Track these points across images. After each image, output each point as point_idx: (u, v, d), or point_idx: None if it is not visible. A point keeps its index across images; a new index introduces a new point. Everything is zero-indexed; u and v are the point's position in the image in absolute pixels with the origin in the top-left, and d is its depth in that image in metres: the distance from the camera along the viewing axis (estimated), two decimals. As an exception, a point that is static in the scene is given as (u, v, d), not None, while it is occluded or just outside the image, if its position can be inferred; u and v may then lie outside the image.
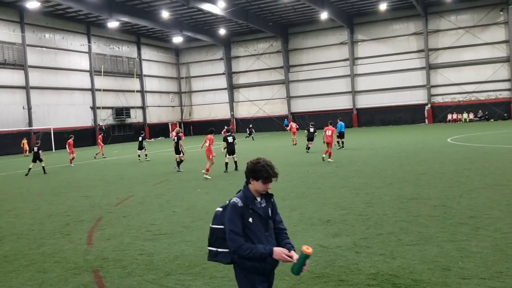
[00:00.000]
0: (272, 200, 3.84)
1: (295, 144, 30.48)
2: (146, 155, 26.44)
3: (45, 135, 43.78)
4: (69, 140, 26.07)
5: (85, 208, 11.72)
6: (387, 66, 55.58)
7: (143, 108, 60.42)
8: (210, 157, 16.75)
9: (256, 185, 3.69)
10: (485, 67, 51.46)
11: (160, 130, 62.37)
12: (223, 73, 64.81)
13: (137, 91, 59.33)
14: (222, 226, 3.67)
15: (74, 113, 49.73)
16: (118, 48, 57.08)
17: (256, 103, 63.91)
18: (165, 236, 8.31)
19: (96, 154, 31.06)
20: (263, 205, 3.73)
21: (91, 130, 51.59)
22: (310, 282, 5.56)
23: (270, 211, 3.76)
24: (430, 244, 6.73)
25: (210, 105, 66.98)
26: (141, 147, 25.49)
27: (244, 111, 64.94)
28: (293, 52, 61.29)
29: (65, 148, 27.87)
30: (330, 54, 59.01)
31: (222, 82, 65.26)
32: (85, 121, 51.38)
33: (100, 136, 32.36)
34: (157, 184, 15.70)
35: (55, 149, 43.55)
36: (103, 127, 52.82)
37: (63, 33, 49.18)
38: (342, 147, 25.70)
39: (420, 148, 22.91)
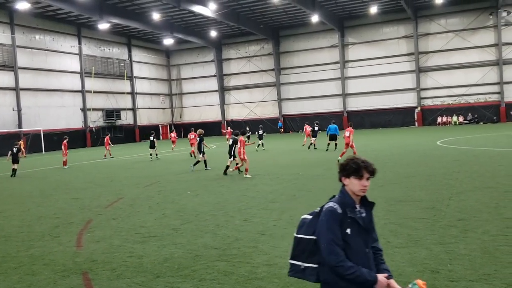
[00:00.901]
0: (372, 211, 3.22)
1: (310, 144, 28.32)
2: (156, 154, 27.56)
3: (34, 137, 43.41)
4: (64, 141, 25.93)
5: (74, 210, 11.64)
6: (377, 69, 55.91)
7: (133, 110, 60.13)
8: (243, 157, 16.60)
9: (350, 185, 3.14)
10: (474, 70, 51.97)
11: (150, 132, 62.09)
12: (214, 75, 64.76)
13: (127, 93, 59.06)
14: (313, 237, 3.08)
15: (64, 115, 49.35)
16: (109, 49, 56.82)
17: (247, 105, 63.93)
18: (154, 238, 8.28)
19: (105, 155, 31.18)
20: (363, 215, 3.12)
21: (81, 132, 51.27)
22: (296, 286, 5.57)
23: (370, 223, 3.16)
24: (419, 247, 6.77)
25: (201, 107, 66.86)
26: (152, 146, 27.24)
27: (235, 113, 64.93)
28: (284, 55, 61.44)
29: (56, 150, 27.76)
30: (321, 57, 59.24)
31: (213, 84, 65.20)
32: (76, 123, 51.00)
33: (107, 137, 32.25)
34: (148, 186, 15.64)
35: (45, 151, 43.19)
36: (93, 129, 52.50)
37: (54, 35, 48.83)
38: (335, 149, 25.79)
39: (410, 150, 23.06)
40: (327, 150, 25.64)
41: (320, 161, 20.57)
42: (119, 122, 56.98)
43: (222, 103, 65.03)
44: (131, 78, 59.90)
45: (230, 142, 17.62)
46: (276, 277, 5.90)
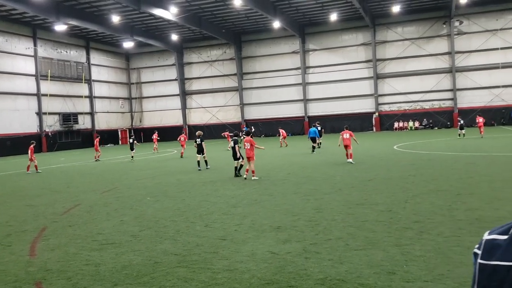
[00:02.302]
0: None
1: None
2: (132, 156, 29.05)
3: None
4: (31, 146, 24.98)
5: (28, 218, 11.21)
6: (337, 75, 57.05)
7: (91, 114, 58.66)
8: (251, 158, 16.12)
9: None
10: (429, 77, 53.90)
11: (109, 137, 60.74)
12: (176, 79, 64.19)
13: (85, 97, 57.56)
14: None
15: (18, 118, 47.48)
16: (66, 52, 55.25)
17: (209, 109, 63.70)
18: (112, 245, 8.09)
19: (96, 157, 31.22)
20: None
21: (36, 137, 49.47)
22: (260, 289, 5.57)
23: None
24: (377, 249, 6.92)
25: (162, 111, 66.07)
26: (132, 148, 29.20)
27: (197, 118, 64.55)
28: (246, 60, 61.68)
29: (8, 155, 26.77)
30: (283, 62, 59.88)
31: (174, 88, 64.61)
32: (30, 127, 49.15)
33: (97, 139, 32.48)
34: (105, 192, 15.28)
35: (-4, 156, 41.48)
36: (49, 134, 50.85)
37: (7, 36, 47.01)
38: (313, 151, 26.69)
39: (368, 155, 23.58)
40: (313, 151, 26.69)
41: (285, 165, 20.73)
42: (76, 127, 55.42)
43: (184, 107, 64.51)
44: (89, 81, 58.45)
45: (232, 144, 17.73)
46: (237, 282, 5.88)
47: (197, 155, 20.97)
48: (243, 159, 17.36)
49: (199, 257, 7.07)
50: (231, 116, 62.76)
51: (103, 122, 60.69)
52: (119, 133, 63.55)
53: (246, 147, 16.38)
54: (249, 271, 6.24)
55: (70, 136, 54.45)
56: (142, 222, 9.98)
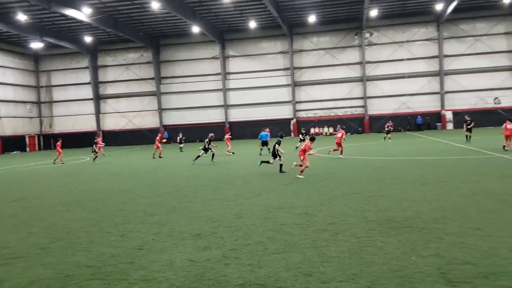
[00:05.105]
0: None
1: (233, 153, 31.16)
2: (94, 158, 30.10)
3: None
4: None
5: None
6: (257, 82, 58.04)
7: (-5, 118, 54.42)
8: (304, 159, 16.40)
9: None
10: (342, 86, 56.65)
11: (15, 143, 56.63)
12: (89, 83, 61.48)
13: (-12, 100, 53.29)
14: None
15: None
16: (-35, 51, 50.83)
17: (125, 115, 61.72)
18: (19, 259, 7.50)
19: (55, 160, 30.88)
20: None
21: None
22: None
23: None
24: (294, 251, 7.07)
25: (74, 116, 62.91)
26: (94, 151, 30.24)
27: (111, 123, 62.24)
28: (165, 64, 60.67)
29: None
30: (203, 67, 59.71)
31: (88, 92, 61.83)
32: None
33: (59, 143, 31.32)
34: (12, 202, 14.18)
35: None
36: None
37: None
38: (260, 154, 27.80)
39: (286, 160, 24.11)
40: (260, 154, 27.55)
41: (204, 172, 20.58)
42: (-23, 132, 51.08)
43: (98, 112, 61.92)
44: (-8, 83, 54.19)
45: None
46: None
47: (203, 152, 24.90)
48: (279, 158, 18.51)
49: (114, 268, 6.78)
50: (149, 121, 61.32)
51: (9, 128, 56.48)
52: (27, 139, 59.53)
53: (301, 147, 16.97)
54: (167, 280, 6.09)
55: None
56: (52, 233, 9.38)
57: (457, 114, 54.30)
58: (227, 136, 36.59)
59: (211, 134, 25.76)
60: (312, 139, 17.21)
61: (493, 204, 9.80)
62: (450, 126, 54.61)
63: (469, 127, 29.38)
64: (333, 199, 11.49)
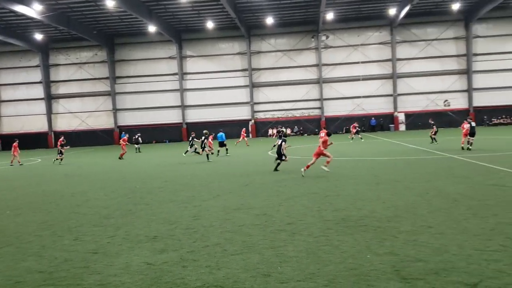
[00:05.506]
0: None
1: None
2: (58, 159, 29.37)
3: None
4: None
5: None
6: (215, 83, 57.82)
7: None
8: (325, 153, 16.55)
9: None
10: (300, 87, 57.37)
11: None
12: (40, 82, 59.28)
13: None
14: None
15: None
16: None
17: (78, 115, 59.95)
18: (-37, 268, 7.12)
19: (12, 161, 30.47)
20: None
21: None
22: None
23: None
24: (253, 252, 7.08)
25: (24, 116, 60.45)
26: (60, 152, 29.61)
27: (64, 123, 60.27)
28: (120, 63, 59.37)
29: None
30: (159, 67, 58.88)
31: (39, 91, 59.60)
32: None
33: (15, 144, 30.79)
34: (-45, 207, 13.45)
35: None
36: None
37: None
38: (222, 154, 28.49)
39: (245, 160, 24.20)
40: (217, 155, 27.91)
41: (160, 173, 20.29)
42: None
43: (49, 112, 59.81)
44: None
45: (279, 142, 18.48)
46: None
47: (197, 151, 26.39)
48: (285, 157, 18.52)
49: (67, 273, 6.55)
50: (103, 122, 59.85)
51: (-48, 128, 53.62)
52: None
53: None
54: (123, 284, 5.94)
55: None
56: (1, 238, 8.96)
57: (409, 116, 56.24)
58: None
59: (205, 131, 26.19)
60: (329, 134, 18.15)
61: (444, 203, 10.19)
62: (402, 127, 56.46)
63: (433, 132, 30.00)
64: (291, 199, 11.60)
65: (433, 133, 29.87)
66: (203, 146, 25.61)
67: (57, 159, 29.60)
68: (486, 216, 8.73)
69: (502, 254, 6.42)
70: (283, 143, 18.56)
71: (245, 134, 40.44)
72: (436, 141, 29.61)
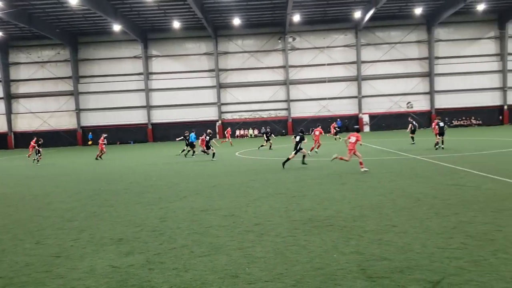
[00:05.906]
0: None
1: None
2: (36, 159, 29.28)
3: None
4: None
5: None
6: (181, 83, 57.36)
7: None
8: (355, 153, 16.82)
9: None
10: (267, 88, 57.65)
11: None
12: None
13: None
14: None
15: None
16: None
17: (39, 115, 58.26)
18: None
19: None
20: None
21: None
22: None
23: None
24: (220, 254, 7.05)
25: (-17, 116, 58.36)
26: (38, 152, 29.67)
27: (24, 124, 58.46)
28: (83, 62, 58.07)
29: None
30: (124, 67, 57.93)
31: (-2, 90, 57.59)
32: None
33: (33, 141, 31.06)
34: None
35: None
36: None
37: None
38: (192, 155, 28.67)
39: (212, 161, 24.08)
40: (192, 155, 28.35)
41: (125, 175, 19.94)
42: None
43: (9, 112, 57.86)
44: None
45: (298, 139, 19.18)
46: (73, 302, 5.41)
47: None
48: (301, 150, 19.28)
49: (29, 278, 6.34)
50: (66, 122, 58.40)
51: None
52: None
53: (350, 141, 16.94)
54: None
55: None
56: (-44, 244, 8.58)
57: (374, 117, 57.40)
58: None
59: (209, 131, 26.78)
60: (358, 131, 18.33)
61: (407, 202, 10.43)
62: (367, 128, 57.57)
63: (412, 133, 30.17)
64: (258, 200, 11.62)
65: (409, 130, 30.15)
66: (209, 145, 26.27)
67: (35, 159, 29.40)
68: (448, 215, 8.99)
69: (463, 252, 6.62)
70: (303, 140, 19.52)
71: (229, 134, 43.25)
72: (413, 141, 29.47)
